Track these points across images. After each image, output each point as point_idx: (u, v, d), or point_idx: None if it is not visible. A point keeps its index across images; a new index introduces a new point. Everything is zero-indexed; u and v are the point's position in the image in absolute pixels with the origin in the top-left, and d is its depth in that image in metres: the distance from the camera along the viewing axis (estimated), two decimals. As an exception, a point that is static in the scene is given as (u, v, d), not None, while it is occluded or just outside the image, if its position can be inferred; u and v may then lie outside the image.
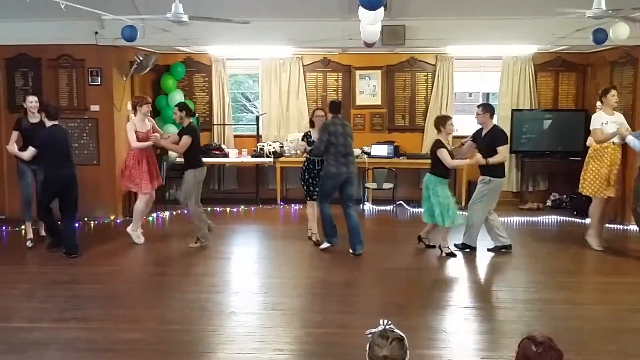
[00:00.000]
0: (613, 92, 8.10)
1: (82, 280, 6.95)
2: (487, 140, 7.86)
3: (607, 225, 8.76)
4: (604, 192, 8.00)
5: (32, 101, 8.25)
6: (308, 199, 8.48)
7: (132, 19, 7.68)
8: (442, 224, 7.86)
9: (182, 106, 8.34)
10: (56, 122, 7.79)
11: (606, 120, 7.96)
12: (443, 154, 7.73)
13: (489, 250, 8.07)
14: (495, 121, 8.24)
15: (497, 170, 7.88)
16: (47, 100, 8.60)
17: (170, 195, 11.20)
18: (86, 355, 5.02)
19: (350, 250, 7.94)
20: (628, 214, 8.77)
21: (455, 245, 8.14)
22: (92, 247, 8.36)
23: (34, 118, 8.17)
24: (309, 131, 8.52)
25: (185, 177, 8.26)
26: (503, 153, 7.80)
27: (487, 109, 7.97)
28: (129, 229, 8.51)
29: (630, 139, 7.70)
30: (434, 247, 8.20)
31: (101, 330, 5.51)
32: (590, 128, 8.10)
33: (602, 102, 8.11)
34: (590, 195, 8.18)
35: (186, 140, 8.06)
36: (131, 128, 8.34)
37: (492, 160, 7.75)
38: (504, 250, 8.04)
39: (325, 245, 8.15)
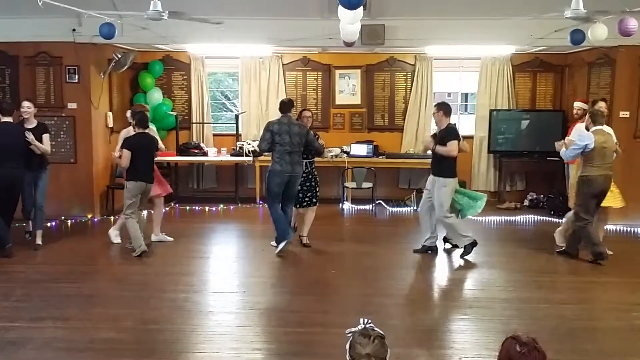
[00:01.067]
0: (600, 103, 8.09)
1: (60, 280, 6.89)
2: (441, 137, 7.87)
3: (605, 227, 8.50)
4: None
5: (24, 106, 7.98)
6: (298, 206, 8.42)
7: (110, 16, 7.62)
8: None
9: (135, 115, 8.04)
10: (10, 120, 7.71)
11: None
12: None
13: (414, 251, 8.11)
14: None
15: (450, 170, 7.81)
16: (1, 99, 8.58)
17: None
18: (63, 354, 4.97)
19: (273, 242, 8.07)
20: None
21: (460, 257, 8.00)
22: (69, 246, 8.30)
23: (29, 123, 7.95)
24: None
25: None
26: (451, 146, 7.71)
27: (441, 107, 7.91)
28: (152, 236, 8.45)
29: (562, 151, 7.72)
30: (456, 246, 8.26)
31: (79, 329, 5.46)
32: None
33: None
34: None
35: (125, 154, 7.76)
36: (121, 137, 8.14)
37: (440, 148, 7.75)
38: (430, 252, 8.03)
39: (282, 245, 7.89)
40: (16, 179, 7.68)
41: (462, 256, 7.89)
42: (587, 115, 7.75)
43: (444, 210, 7.77)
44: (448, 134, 7.80)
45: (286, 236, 7.92)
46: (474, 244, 7.85)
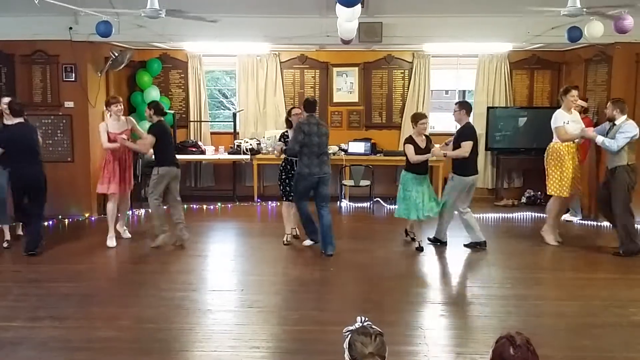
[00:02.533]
0: (573, 92, 8.11)
1: (57, 279, 6.88)
2: (456, 136, 7.97)
3: (562, 219, 9.05)
4: (566, 190, 8.05)
5: (5, 102, 7.98)
6: (284, 199, 8.43)
7: (107, 14, 7.60)
8: (408, 217, 8.07)
9: (150, 104, 8.30)
10: (22, 120, 7.72)
11: (567, 120, 7.98)
12: (407, 149, 7.86)
13: (464, 245, 8.14)
14: (471, 119, 8.25)
15: (461, 168, 7.91)
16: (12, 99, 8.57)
17: (146, 193, 11.09)
18: (61, 354, 4.97)
19: (322, 251, 7.90)
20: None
21: (428, 239, 8.31)
22: (67, 245, 8.28)
23: (9, 120, 7.90)
24: (287, 131, 8.41)
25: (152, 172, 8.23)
26: (464, 148, 7.78)
27: (463, 106, 8.04)
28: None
29: (600, 140, 7.75)
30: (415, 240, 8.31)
31: (76, 328, 5.46)
32: (553, 126, 8.05)
33: (562, 100, 8.22)
34: (554, 194, 8.18)
35: (149, 139, 7.98)
36: (103, 129, 8.16)
37: (450, 153, 7.90)
38: (478, 247, 8.09)
39: (308, 242, 8.22)
40: (32, 177, 7.75)
41: (465, 245, 8.14)
42: (612, 105, 7.85)
43: (446, 203, 8.00)
44: (463, 134, 7.88)
45: (313, 235, 8.11)
46: (434, 240, 8.28)
